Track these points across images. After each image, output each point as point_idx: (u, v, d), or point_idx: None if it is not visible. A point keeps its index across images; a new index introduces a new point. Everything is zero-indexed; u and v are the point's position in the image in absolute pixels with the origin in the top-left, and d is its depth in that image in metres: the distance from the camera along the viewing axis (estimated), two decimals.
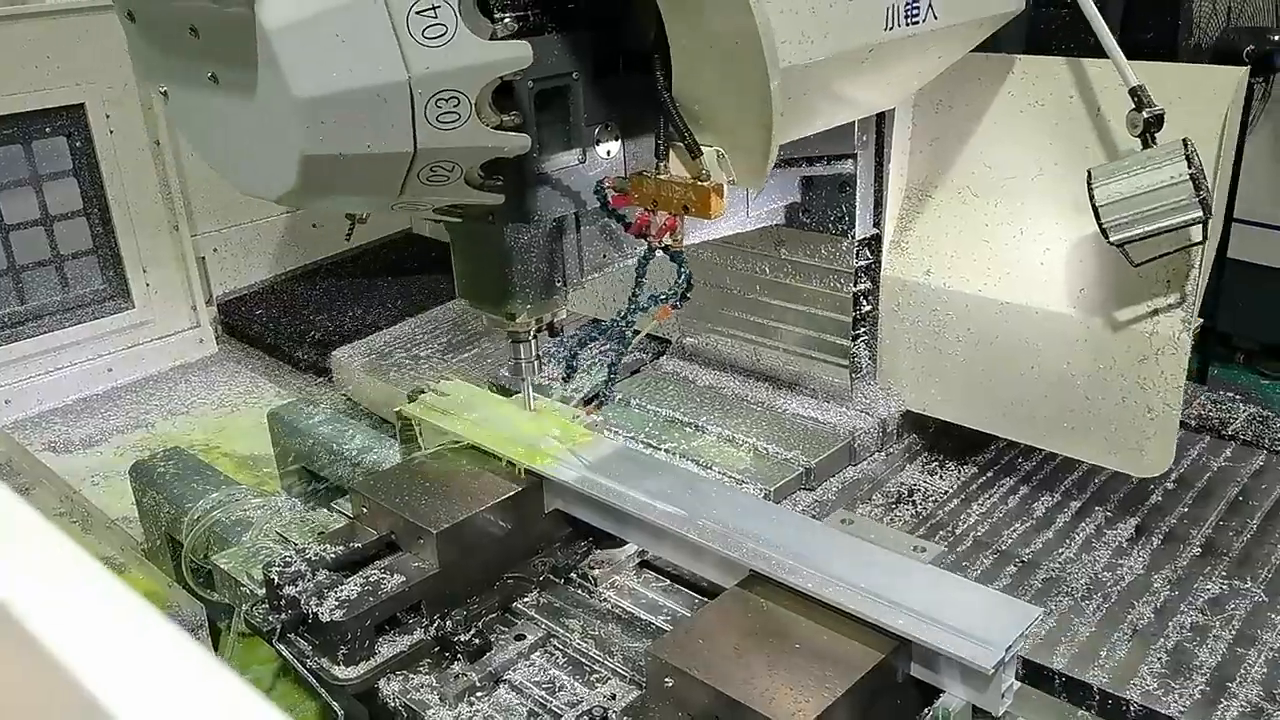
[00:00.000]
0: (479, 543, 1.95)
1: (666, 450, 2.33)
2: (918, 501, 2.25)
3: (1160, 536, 2.12)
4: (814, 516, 2.14)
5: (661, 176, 1.57)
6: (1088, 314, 2.06)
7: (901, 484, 2.34)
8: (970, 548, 2.08)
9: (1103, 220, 1.85)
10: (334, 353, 3.16)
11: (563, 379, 1.94)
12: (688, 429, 2.44)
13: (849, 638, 1.62)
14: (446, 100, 1.38)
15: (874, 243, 2.35)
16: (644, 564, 2.07)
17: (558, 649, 1.86)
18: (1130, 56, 1.96)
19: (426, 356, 3.07)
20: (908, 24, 1.79)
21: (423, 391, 2.34)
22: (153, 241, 3.64)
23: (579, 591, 2.01)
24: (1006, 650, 1.53)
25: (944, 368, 2.29)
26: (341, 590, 1.82)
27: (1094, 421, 2.10)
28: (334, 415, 2.81)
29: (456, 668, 1.79)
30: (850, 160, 2.25)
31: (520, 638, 1.86)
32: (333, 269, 4.10)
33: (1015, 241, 2.17)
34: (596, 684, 1.76)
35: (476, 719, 1.71)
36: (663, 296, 1.66)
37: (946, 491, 2.29)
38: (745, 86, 1.49)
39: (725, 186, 1.56)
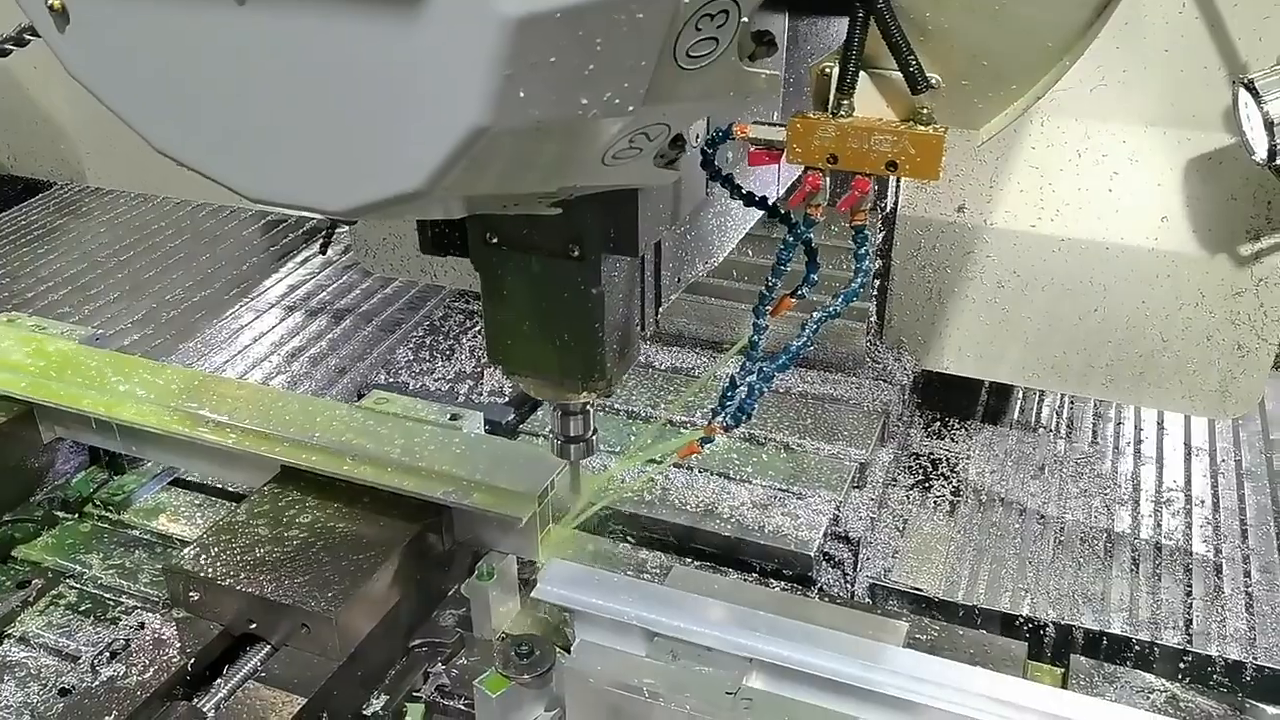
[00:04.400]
0: None
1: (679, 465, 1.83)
2: (946, 474, 2.02)
3: (1236, 478, 2.01)
4: (873, 519, 1.85)
5: (843, 119, 1.02)
6: (1171, 246, 1.83)
7: (916, 454, 2.07)
8: (1050, 528, 1.89)
9: (1278, 139, 1.58)
10: None
11: (727, 426, 1.23)
12: (683, 430, 1.94)
13: (387, 517, 1.59)
14: (713, 18, 0.82)
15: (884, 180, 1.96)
16: (175, 481, 1.91)
17: (73, 588, 1.66)
18: None
19: None
20: None
21: None
22: None
23: (99, 523, 1.82)
24: (538, 501, 1.59)
25: (977, 320, 2.01)
26: None
27: (1168, 365, 1.91)
28: None
29: None
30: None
31: (24, 584, 1.64)
32: None
33: (1072, 166, 1.87)
34: (121, 616, 1.61)
35: None
36: (843, 298, 1.10)
37: (968, 455, 2.07)
38: None
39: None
